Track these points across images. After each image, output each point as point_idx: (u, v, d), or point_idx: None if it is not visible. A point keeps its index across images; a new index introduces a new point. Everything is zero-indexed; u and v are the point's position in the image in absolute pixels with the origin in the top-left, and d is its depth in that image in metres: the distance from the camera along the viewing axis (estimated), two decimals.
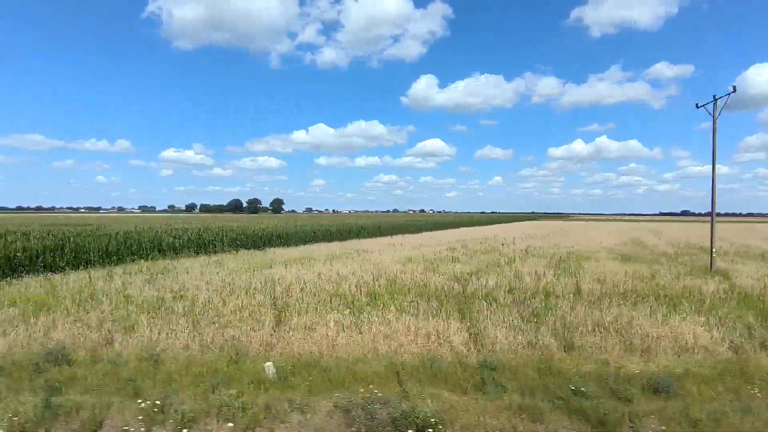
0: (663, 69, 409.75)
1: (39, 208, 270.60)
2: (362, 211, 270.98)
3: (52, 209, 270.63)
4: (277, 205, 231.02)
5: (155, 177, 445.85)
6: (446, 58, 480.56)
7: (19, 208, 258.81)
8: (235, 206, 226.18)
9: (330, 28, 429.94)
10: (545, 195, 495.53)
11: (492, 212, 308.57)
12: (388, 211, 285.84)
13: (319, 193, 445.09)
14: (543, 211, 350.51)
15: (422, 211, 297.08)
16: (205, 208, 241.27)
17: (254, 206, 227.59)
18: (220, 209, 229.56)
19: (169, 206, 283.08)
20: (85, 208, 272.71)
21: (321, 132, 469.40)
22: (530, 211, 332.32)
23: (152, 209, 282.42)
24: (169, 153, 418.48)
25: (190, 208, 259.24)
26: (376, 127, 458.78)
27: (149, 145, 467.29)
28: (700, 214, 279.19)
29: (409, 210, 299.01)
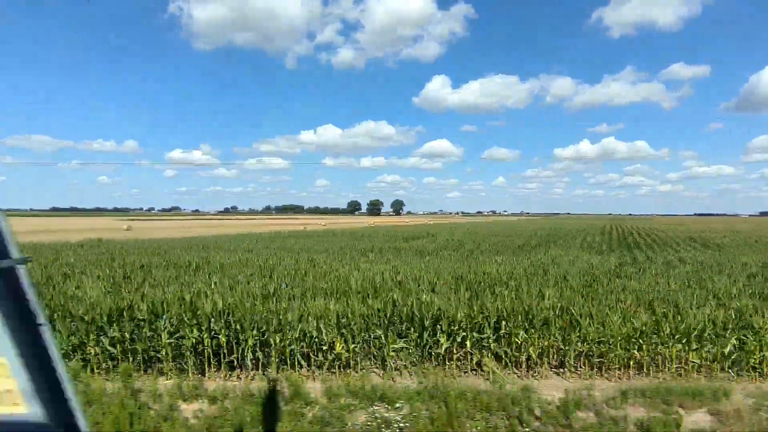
0: (679, 69, 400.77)
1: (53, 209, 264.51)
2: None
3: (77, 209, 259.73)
4: (398, 207, 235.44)
5: (159, 177, 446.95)
6: (463, 59, 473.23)
7: (31, 210, 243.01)
8: (354, 208, 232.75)
9: (350, 29, 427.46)
10: (546, 195, 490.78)
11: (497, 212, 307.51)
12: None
13: (322, 193, 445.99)
14: (543, 212, 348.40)
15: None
16: (316, 210, 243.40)
17: (376, 207, 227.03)
18: (334, 211, 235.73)
19: (196, 210, 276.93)
20: (111, 208, 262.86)
21: (329, 132, 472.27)
22: (528, 212, 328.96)
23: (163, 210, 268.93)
24: (176, 153, 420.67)
25: (285, 209, 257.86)
26: (385, 128, 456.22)
27: (156, 146, 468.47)
28: (703, 215, 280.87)
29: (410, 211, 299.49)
